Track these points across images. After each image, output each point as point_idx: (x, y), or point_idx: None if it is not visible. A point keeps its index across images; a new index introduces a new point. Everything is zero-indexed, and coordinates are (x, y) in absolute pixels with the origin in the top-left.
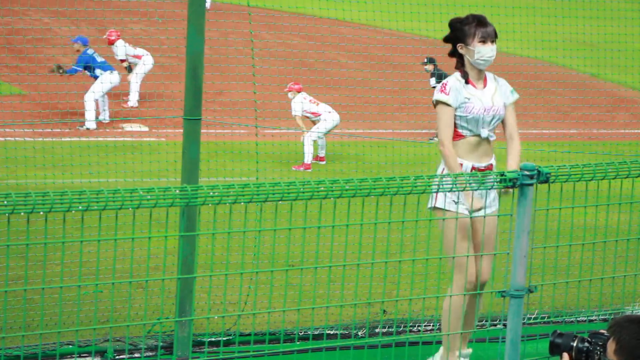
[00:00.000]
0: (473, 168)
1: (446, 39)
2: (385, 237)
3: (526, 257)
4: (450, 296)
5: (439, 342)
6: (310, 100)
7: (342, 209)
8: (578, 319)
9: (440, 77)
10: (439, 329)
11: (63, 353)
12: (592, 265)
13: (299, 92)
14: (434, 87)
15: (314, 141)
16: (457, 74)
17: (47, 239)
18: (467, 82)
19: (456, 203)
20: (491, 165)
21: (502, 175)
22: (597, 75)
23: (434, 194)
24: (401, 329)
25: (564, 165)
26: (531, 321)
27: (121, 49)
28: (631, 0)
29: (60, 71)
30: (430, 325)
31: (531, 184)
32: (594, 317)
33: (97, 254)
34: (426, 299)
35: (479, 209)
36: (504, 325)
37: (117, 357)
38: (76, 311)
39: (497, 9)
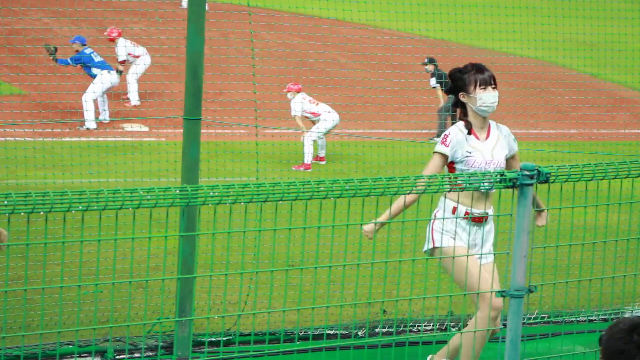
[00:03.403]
0: (467, 213)
1: (448, 91)
2: (385, 237)
3: (526, 257)
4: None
5: (440, 342)
6: (309, 100)
7: (342, 209)
8: (578, 319)
9: (440, 77)
10: (440, 329)
11: (63, 353)
12: (592, 265)
13: (298, 92)
14: (434, 87)
15: (314, 141)
16: (461, 124)
17: (47, 239)
18: (469, 132)
19: (453, 238)
20: (487, 215)
21: (501, 175)
22: (597, 75)
23: (430, 236)
24: (401, 329)
25: (564, 165)
26: (531, 321)
27: (122, 49)
28: (631, 0)
29: (52, 56)
30: (430, 325)
31: (531, 184)
32: (594, 317)
33: (97, 254)
34: (426, 299)
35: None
36: (504, 325)
37: (117, 357)
38: (76, 311)
39: (497, 9)
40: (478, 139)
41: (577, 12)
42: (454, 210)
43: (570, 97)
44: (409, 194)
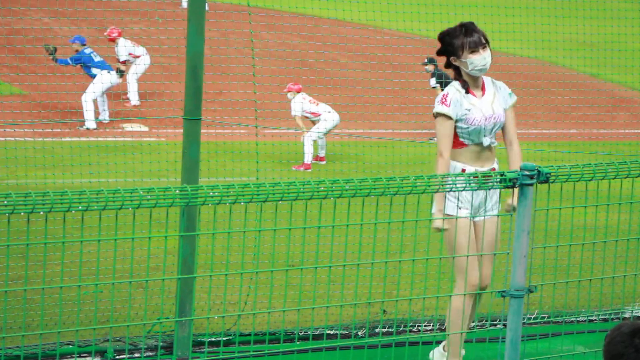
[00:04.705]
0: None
1: (439, 53)
2: (385, 237)
3: (526, 257)
4: (453, 298)
5: (439, 342)
6: (309, 101)
7: (342, 209)
8: (578, 319)
9: (440, 77)
10: (439, 329)
11: (63, 353)
12: (592, 265)
13: (298, 92)
14: (434, 87)
15: (314, 141)
16: (457, 84)
17: (47, 239)
18: (467, 91)
19: (459, 208)
20: (494, 169)
21: (502, 175)
22: (597, 75)
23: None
24: (401, 329)
25: (564, 165)
26: (531, 321)
27: (122, 49)
28: (631, 0)
29: (52, 56)
30: (430, 325)
31: (531, 184)
32: (594, 317)
33: (97, 254)
34: (426, 299)
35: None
36: (504, 325)
37: (117, 357)
38: (76, 311)
39: (497, 9)
40: (475, 96)
41: (577, 12)
42: (463, 171)
43: (570, 97)
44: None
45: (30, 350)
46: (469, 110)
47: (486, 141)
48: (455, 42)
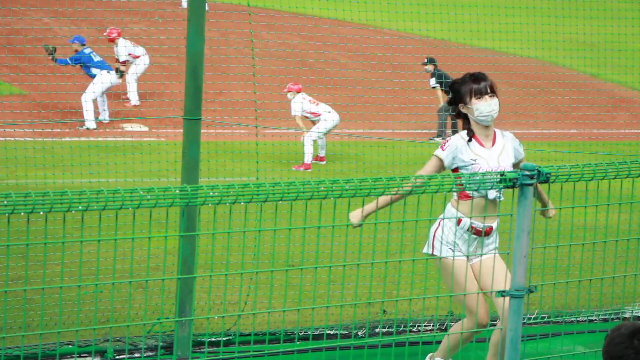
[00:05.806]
0: (472, 227)
1: (449, 102)
2: (385, 237)
3: (526, 257)
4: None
5: (439, 342)
6: (309, 101)
7: (342, 209)
8: (578, 319)
9: (440, 77)
10: (439, 329)
11: (63, 353)
12: (592, 265)
13: (298, 92)
14: (434, 87)
15: (314, 141)
16: (463, 132)
17: (47, 239)
18: (471, 139)
19: (452, 250)
20: (491, 227)
21: (502, 175)
22: (597, 75)
23: (431, 241)
24: (401, 329)
25: (564, 165)
26: (531, 321)
27: (122, 49)
28: (631, 0)
29: (51, 56)
30: (430, 325)
31: (531, 184)
32: (594, 317)
33: (97, 254)
34: (426, 299)
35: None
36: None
37: (117, 357)
38: (76, 311)
39: (497, 9)
40: (483, 146)
41: (577, 12)
42: (459, 222)
43: (570, 97)
44: (395, 194)
45: (30, 350)
46: (475, 160)
47: (491, 194)
48: (463, 88)
